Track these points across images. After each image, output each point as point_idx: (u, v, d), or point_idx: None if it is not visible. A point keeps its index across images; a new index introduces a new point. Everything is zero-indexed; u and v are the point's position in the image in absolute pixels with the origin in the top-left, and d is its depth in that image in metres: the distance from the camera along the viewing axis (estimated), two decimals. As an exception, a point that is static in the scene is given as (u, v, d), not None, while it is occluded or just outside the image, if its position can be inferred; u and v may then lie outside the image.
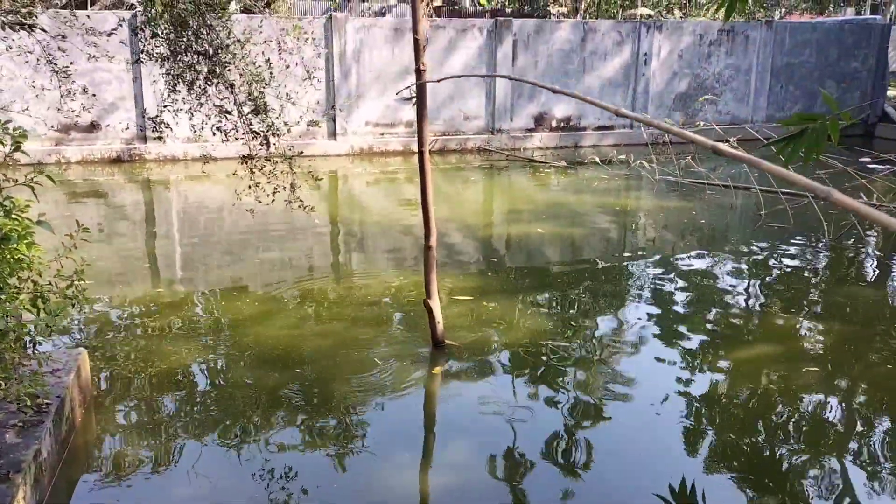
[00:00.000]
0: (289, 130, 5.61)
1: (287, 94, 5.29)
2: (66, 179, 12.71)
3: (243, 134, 5.40)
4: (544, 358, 5.66)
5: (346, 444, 4.46)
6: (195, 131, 5.41)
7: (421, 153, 5.39)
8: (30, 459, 3.57)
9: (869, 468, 4.35)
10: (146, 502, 3.89)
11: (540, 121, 16.72)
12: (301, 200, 5.69)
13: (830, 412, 5.00)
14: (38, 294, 3.21)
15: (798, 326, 6.47)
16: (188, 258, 8.57)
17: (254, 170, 5.56)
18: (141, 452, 4.33)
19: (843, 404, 5.14)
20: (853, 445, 4.62)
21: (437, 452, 4.55)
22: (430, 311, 5.61)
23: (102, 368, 5.35)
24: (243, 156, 5.62)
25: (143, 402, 4.87)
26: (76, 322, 6.18)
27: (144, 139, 14.18)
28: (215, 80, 5.16)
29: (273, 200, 5.65)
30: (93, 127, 13.98)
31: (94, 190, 12.13)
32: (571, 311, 6.76)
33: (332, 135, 15.27)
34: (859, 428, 4.85)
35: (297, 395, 5.06)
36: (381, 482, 4.08)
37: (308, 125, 6.28)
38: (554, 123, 16.82)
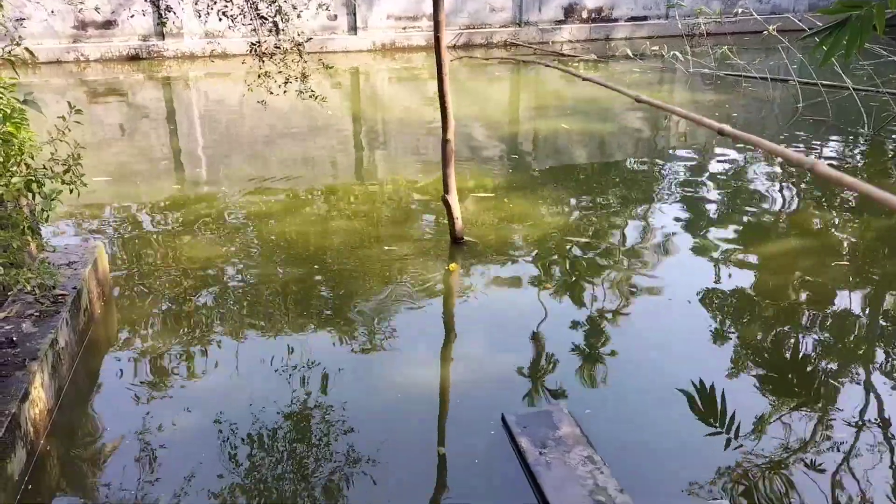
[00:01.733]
0: (298, 16, 5.34)
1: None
2: (85, 78, 12.55)
3: (251, 20, 5.15)
4: (566, 255, 5.54)
5: (364, 340, 4.45)
6: (199, 16, 5.17)
7: (437, 39, 5.11)
8: (46, 347, 3.60)
9: (896, 364, 4.24)
10: (168, 391, 3.95)
11: (570, 12, 15.96)
12: (312, 91, 5.48)
13: (858, 310, 4.86)
14: (33, 178, 3.11)
15: (831, 222, 6.24)
16: (209, 156, 8.47)
17: (263, 58, 5.34)
18: (161, 345, 4.36)
19: (873, 302, 4.98)
20: (882, 344, 4.49)
21: (454, 347, 4.52)
22: (448, 206, 5.48)
23: (122, 263, 5.36)
24: (252, 43, 5.38)
25: (164, 297, 4.88)
26: (93, 215, 6.17)
27: (162, 35, 13.84)
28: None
29: (285, 91, 5.45)
30: (109, 24, 13.66)
31: (112, 88, 11.97)
32: (596, 209, 6.58)
33: (353, 29, 14.76)
34: (888, 327, 4.71)
35: (316, 291, 5.04)
36: (399, 377, 4.07)
37: (318, 7, 5.97)
38: (585, 14, 16.05)
